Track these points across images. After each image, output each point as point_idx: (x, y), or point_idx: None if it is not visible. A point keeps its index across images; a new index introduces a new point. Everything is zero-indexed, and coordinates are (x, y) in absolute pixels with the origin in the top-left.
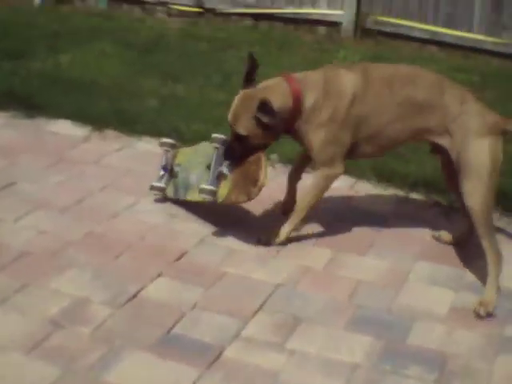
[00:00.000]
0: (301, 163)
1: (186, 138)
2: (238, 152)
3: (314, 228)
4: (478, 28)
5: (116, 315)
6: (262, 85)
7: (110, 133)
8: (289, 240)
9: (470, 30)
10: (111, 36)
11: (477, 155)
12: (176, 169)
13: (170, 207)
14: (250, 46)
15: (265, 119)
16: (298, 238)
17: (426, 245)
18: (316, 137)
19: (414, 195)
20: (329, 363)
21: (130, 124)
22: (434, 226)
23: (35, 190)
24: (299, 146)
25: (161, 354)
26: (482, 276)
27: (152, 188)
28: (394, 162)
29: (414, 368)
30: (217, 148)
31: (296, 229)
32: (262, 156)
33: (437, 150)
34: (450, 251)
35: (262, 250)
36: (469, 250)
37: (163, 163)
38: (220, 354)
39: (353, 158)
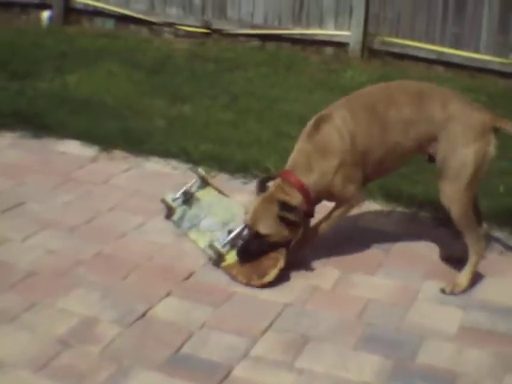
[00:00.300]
0: None
1: (194, 159)
2: (255, 250)
3: (322, 248)
4: (485, 48)
5: (124, 334)
6: (272, 188)
7: (118, 153)
8: (297, 260)
9: (476, 51)
10: (118, 56)
11: (460, 160)
12: (194, 201)
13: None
14: (257, 66)
15: (291, 216)
16: (307, 258)
17: (435, 264)
18: (335, 186)
19: (422, 215)
20: (338, 382)
21: (138, 144)
22: (442, 245)
23: (43, 210)
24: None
25: (169, 373)
26: (492, 294)
27: (163, 201)
28: (401, 183)
29: None
30: (246, 226)
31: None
32: (281, 259)
33: (433, 158)
34: (458, 270)
35: None
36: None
37: (186, 189)
38: (229, 373)
39: (366, 184)
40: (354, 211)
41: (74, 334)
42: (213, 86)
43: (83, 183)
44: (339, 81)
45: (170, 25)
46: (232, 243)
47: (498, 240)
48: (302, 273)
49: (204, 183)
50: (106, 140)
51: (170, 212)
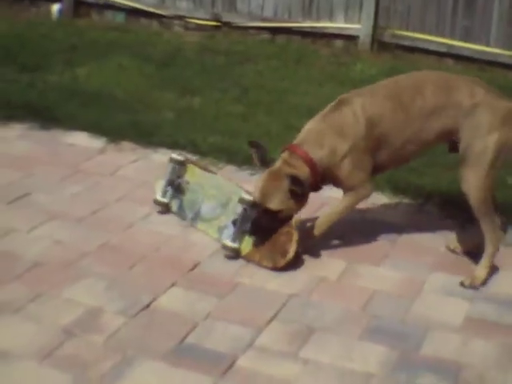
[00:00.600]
0: None
1: (202, 151)
2: (267, 225)
3: (328, 239)
4: (495, 41)
5: (129, 325)
6: (278, 163)
7: (126, 145)
8: (303, 251)
9: (486, 44)
10: (128, 50)
11: (482, 147)
12: (184, 185)
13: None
14: (267, 59)
15: (299, 190)
16: (313, 249)
17: (441, 255)
18: (342, 170)
19: (429, 206)
20: (343, 373)
21: (147, 136)
22: (449, 237)
23: (50, 201)
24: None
25: (174, 363)
26: (499, 286)
27: (156, 202)
28: (408, 175)
29: (429, 378)
30: (245, 209)
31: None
32: (294, 231)
33: (455, 147)
34: (465, 262)
35: None
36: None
37: (168, 177)
38: (233, 363)
39: (377, 174)
40: (361, 204)
41: (79, 324)
42: (223, 79)
43: (91, 175)
44: (349, 74)
45: (180, 18)
46: (241, 231)
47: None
48: (308, 263)
49: (182, 165)
50: (114, 132)
51: (166, 208)
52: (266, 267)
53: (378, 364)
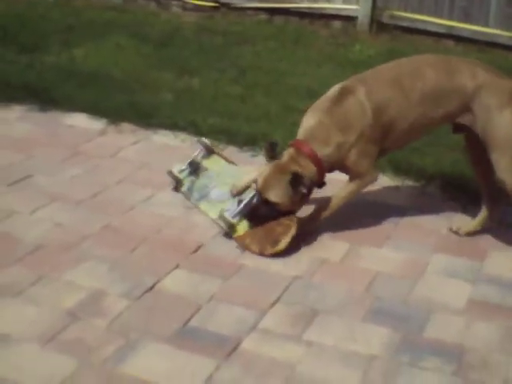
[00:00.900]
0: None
1: (203, 132)
2: (264, 215)
3: (330, 221)
4: (494, 22)
5: (132, 307)
6: (286, 158)
7: (126, 126)
8: (306, 233)
9: (486, 25)
10: (126, 30)
11: (502, 127)
12: (202, 171)
13: (186, 200)
14: (265, 40)
15: (300, 189)
16: (315, 231)
17: (443, 237)
18: (349, 160)
19: (431, 188)
20: (346, 355)
21: (146, 117)
22: (451, 219)
23: (51, 183)
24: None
25: (178, 345)
26: (501, 269)
27: (169, 173)
28: (410, 156)
29: (432, 360)
30: (258, 193)
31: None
32: (293, 226)
33: (459, 129)
34: (468, 243)
35: None
36: (486, 243)
37: (192, 159)
38: (237, 345)
39: (383, 156)
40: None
41: (82, 307)
42: (221, 60)
43: (91, 156)
44: (347, 55)
45: None
46: (243, 213)
47: (509, 214)
48: (311, 245)
49: (209, 152)
50: (113, 113)
51: (178, 184)
52: (252, 252)
53: (381, 346)
